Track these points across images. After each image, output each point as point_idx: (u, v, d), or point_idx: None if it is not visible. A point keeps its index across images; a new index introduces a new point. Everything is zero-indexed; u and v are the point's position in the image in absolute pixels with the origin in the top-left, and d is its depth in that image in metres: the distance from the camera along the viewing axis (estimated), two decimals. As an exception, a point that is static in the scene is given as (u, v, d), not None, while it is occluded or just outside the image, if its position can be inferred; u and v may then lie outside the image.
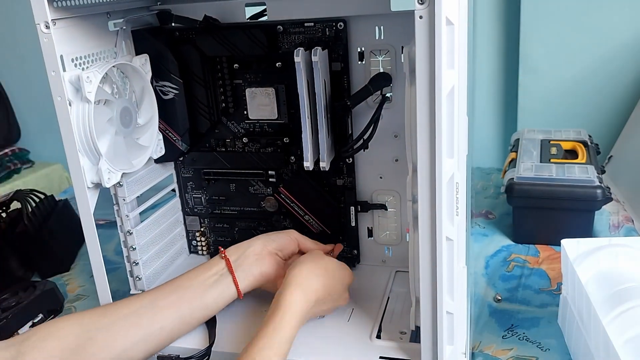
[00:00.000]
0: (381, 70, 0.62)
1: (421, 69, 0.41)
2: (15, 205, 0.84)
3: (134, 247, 0.66)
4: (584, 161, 0.85)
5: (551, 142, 0.92)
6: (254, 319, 0.61)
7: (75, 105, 0.52)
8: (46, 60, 0.50)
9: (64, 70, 0.51)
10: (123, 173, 0.59)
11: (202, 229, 0.77)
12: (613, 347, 0.48)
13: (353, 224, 0.70)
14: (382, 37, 0.61)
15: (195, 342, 0.59)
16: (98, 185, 0.56)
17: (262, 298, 0.62)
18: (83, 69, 0.54)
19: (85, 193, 0.54)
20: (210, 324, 0.60)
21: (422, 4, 0.40)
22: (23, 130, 1.43)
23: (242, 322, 0.61)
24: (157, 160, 0.68)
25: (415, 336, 0.55)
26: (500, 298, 0.72)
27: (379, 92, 0.61)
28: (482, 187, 1.07)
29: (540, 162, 0.85)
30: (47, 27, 0.49)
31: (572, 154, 0.89)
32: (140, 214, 0.67)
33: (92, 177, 0.55)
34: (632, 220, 0.88)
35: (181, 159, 0.72)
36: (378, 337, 0.57)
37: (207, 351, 0.57)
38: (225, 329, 0.60)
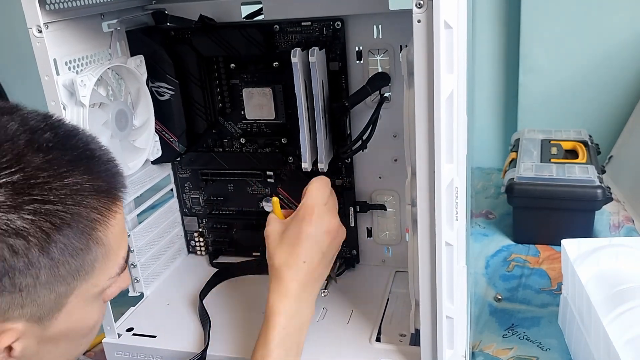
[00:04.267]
0: (380, 70, 0.61)
1: (420, 74, 0.41)
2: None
3: (131, 249, 0.65)
4: (584, 161, 0.85)
5: (551, 142, 0.92)
6: (249, 321, 0.61)
7: (69, 109, 0.51)
8: (39, 64, 0.49)
9: (58, 74, 0.50)
10: (119, 176, 0.59)
11: (200, 229, 0.76)
12: (613, 347, 0.48)
13: (352, 224, 0.69)
14: (380, 36, 0.61)
15: (189, 345, 0.59)
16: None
17: (257, 300, 0.62)
18: (77, 72, 0.53)
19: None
20: (205, 326, 0.60)
21: (420, 7, 0.39)
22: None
23: (236, 324, 0.61)
24: (154, 162, 0.68)
25: (415, 339, 0.55)
26: (500, 298, 0.72)
27: (377, 92, 0.61)
28: (482, 187, 1.06)
29: (541, 162, 0.85)
30: (40, 30, 0.48)
31: (572, 153, 0.89)
32: (137, 215, 0.67)
33: (87, 181, 0.54)
34: (633, 220, 0.88)
35: (178, 159, 0.72)
36: (378, 339, 0.57)
37: (202, 354, 0.56)
38: (220, 332, 0.60)
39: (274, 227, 0.55)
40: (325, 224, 0.53)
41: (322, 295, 0.64)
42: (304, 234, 0.52)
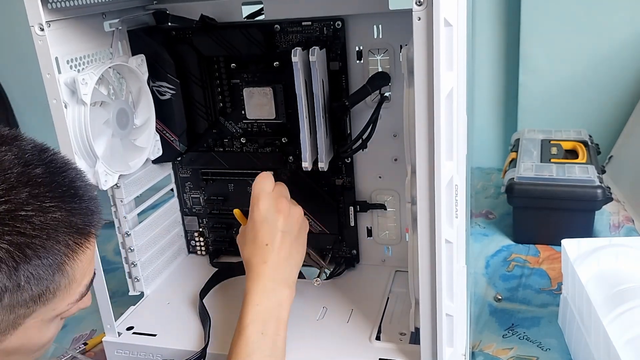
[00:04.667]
0: (380, 70, 0.62)
1: (419, 71, 0.41)
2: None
3: (132, 248, 0.65)
4: (584, 161, 0.85)
5: (551, 142, 0.92)
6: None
7: (71, 107, 0.51)
8: (41, 62, 0.49)
9: (59, 72, 0.50)
10: (120, 175, 0.59)
11: (200, 229, 0.76)
12: (613, 347, 0.48)
13: (352, 223, 0.69)
14: (380, 36, 0.61)
15: (189, 344, 0.59)
16: (95, 188, 0.56)
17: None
18: (79, 71, 0.53)
19: (82, 195, 0.54)
20: (205, 325, 0.60)
21: (420, 5, 0.39)
22: (23, 130, 1.41)
23: (236, 323, 0.61)
24: (155, 161, 0.68)
25: (415, 337, 0.55)
26: (500, 298, 0.72)
27: (377, 91, 0.61)
28: (482, 187, 1.06)
29: (541, 162, 0.85)
30: (42, 29, 0.48)
31: (572, 153, 0.89)
32: (138, 214, 0.67)
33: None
34: (633, 220, 0.88)
35: (179, 159, 0.72)
36: (377, 338, 0.57)
37: (202, 353, 0.56)
38: (220, 330, 0.60)
39: (240, 233, 0.59)
40: (273, 205, 0.56)
41: (315, 284, 0.64)
42: (257, 221, 0.56)
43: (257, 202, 0.56)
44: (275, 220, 0.56)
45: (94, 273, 0.41)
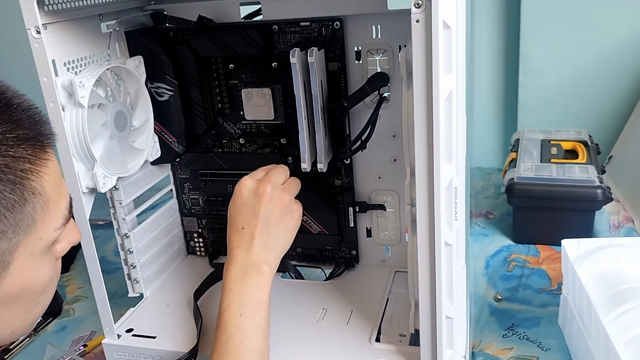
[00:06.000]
0: (379, 70, 0.61)
1: (418, 74, 0.41)
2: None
3: (131, 250, 0.65)
4: (584, 161, 0.85)
5: (551, 142, 0.92)
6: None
7: (68, 110, 0.51)
8: (38, 65, 0.49)
9: (56, 75, 0.50)
10: (119, 177, 0.59)
11: (199, 230, 0.76)
12: (614, 347, 0.48)
13: (352, 224, 0.69)
14: (379, 37, 0.60)
15: (189, 346, 0.58)
16: (93, 191, 0.55)
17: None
18: (76, 73, 0.53)
19: (81, 199, 0.54)
20: (197, 324, 0.60)
21: (418, 7, 0.39)
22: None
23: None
24: (153, 163, 0.68)
25: (415, 339, 0.55)
26: (500, 298, 0.72)
27: (376, 92, 0.61)
28: (482, 187, 1.06)
29: (541, 162, 0.85)
30: (38, 32, 0.48)
31: (572, 154, 0.89)
32: (137, 216, 0.67)
33: (87, 183, 0.54)
34: (633, 221, 0.87)
35: (177, 160, 0.72)
36: (377, 340, 0.57)
37: (192, 353, 0.56)
38: (214, 330, 0.59)
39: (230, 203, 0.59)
40: (251, 190, 0.56)
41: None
42: (233, 209, 0.57)
43: (234, 196, 0.57)
44: (252, 204, 0.56)
45: (71, 198, 0.39)
